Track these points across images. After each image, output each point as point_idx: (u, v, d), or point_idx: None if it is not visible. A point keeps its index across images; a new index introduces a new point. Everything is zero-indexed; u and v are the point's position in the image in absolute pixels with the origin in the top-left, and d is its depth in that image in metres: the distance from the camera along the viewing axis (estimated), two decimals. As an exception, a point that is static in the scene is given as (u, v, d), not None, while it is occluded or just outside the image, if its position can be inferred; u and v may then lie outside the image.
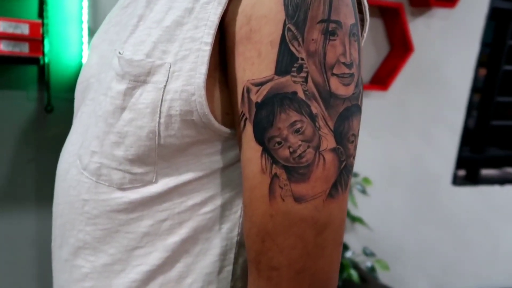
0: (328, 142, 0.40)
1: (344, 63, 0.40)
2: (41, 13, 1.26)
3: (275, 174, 0.40)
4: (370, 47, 1.86)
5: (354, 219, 1.81)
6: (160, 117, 0.43)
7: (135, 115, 0.44)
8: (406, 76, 1.89)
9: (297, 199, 0.40)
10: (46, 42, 1.16)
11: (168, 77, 0.43)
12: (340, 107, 0.41)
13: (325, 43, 0.39)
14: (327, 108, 0.40)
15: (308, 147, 0.40)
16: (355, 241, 1.96)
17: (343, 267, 1.54)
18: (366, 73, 1.88)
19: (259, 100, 0.40)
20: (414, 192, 2.09)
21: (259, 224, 0.42)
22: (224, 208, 0.49)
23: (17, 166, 1.43)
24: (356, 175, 1.86)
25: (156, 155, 0.45)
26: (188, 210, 0.48)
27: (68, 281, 0.54)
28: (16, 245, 1.48)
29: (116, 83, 0.45)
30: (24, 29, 1.09)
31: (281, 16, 0.39)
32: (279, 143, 0.40)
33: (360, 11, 0.49)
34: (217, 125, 0.44)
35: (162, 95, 0.43)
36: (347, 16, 0.41)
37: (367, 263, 1.82)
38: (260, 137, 0.41)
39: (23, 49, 1.11)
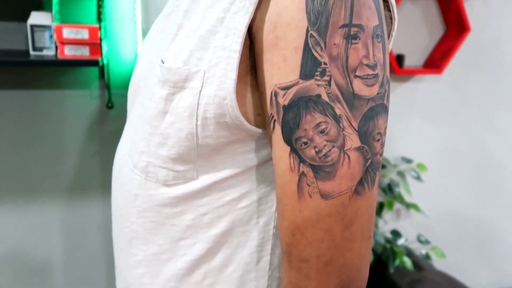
0: (353, 141, 0.42)
1: (367, 65, 0.42)
2: (99, 16, 1.35)
3: (303, 172, 0.43)
4: (423, 30, 1.79)
5: (409, 206, 1.78)
6: (197, 120, 0.47)
7: (175, 118, 0.49)
8: (462, 58, 1.81)
9: (324, 196, 0.43)
10: (104, 44, 1.25)
11: (203, 83, 0.46)
12: (364, 108, 0.42)
13: (347, 47, 0.41)
14: (350, 109, 0.42)
15: (333, 146, 0.42)
16: (410, 228, 1.93)
17: (395, 255, 1.53)
18: (419, 57, 1.82)
19: (286, 103, 0.43)
20: (475, 178, 2.00)
21: (289, 218, 0.45)
22: (260, 203, 0.53)
23: (84, 158, 1.56)
24: (410, 161, 1.82)
25: (195, 154, 0.49)
26: (226, 205, 0.52)
27: (125, 266, 0.60)
28: (85, 231, 1.62)
29: (158, 89, 0.50)
30: (84, 34, 1.18)
31: (304, 23, 0.41)
32: (305, 143, 0.43)
33: (389, 9, 0.50)
34: (248, 126, 0.47)
35: (198, 100, 0.47)
36: (370, 18, 0.42)
37: (421, 250, 1.79)
38: (288, 138, 0.43)
39: (84, 52, 1.21)
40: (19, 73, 1.40)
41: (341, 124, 0.42)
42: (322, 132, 0.42)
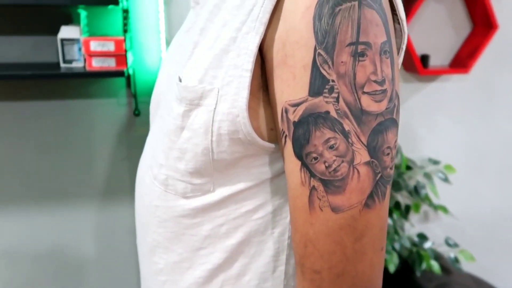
0: (362, 156, 0.43)
1: (375, 81, 0.43)
2: (124, 28, 1.40)
3: (313, 186, 0.44)
4: (448, 28, 1.76)
5: (436, 208, 1.75)
6: (212, 136, 0.49)
7: (192, 134, 0.51)
8: (490, 56, 1.76)
9: (334, 209, 0.44)
10: (129, 55, 1.29)
11: (217, 100, 0.48)
12: (373, 123, 0.43)
13: (355, 64, 0.42)
14: (359, 125, 0.43)
15: (342, 161, 0.43)
16: (438, 231, 1.90)
17: (422, 258, 1.51)
18: (445, 56, 1.79)
19: (296, 119, 0.44)
20: (505, 178, 1.95)
21: (301, 230, 0.46)
22: (275, 214, 0.54)
23: (113, 163, 1.61)
24: (437, 162, 1.79)
25: (211, 168, 0.51)
26: (242, 216, 0.54)
27: (148, 273, 0.63)
28: (115, 233, 1.67)
29: (176, 105, 0.52)
30: (110, 46, 1.23)
31: (312, 42, 0.43)
32: (315, 158, 0.44)
33: (399, 22, 0.51)
34: (261, 142, 0.49)
35: (213, 117, 0.49)
36: (377, 35, 0.43)
37: (450, 253, 1.75)
38: (299, 153, 0.45)
39: (110, 63, 1.25)
40: (51, 84, 1.46)
41: (350, 140, 0.43)
42: (331, 147, 0.43)
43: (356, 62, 0.42)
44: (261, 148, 0.50)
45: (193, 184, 0.53)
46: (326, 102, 0.43)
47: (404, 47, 0.52)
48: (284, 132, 0.46)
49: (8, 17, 1.38)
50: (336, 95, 0.42)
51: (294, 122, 0.44)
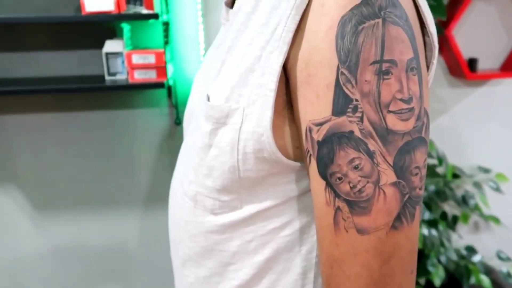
0: (388, 176, 0.42)
1: (401, 99, 0.41)
2: (165, 40, 1.44)
3: (338, 207, 0.43)
4: (498, 30, 1.67)
5: (488, 219, 1.66)
6: (238, 154, 0.49)
7: (219, 152, 0.51)
8: (545, 58, 1.66)
9: (360, 231, 0.43)
10: (169, 67, 1.33)
11: (242, 119, 0.49)
12: (399, 142, 0.42)
13: (379, 83, 0.41)
14: (384, 145, 0.42)
15: (368, 182, 0.42)
16: (489, 244, 1.80)
17: (470, 272, 1.44)
18: (494, 59, 1.70)
19: (320, 138, 0.44)
20: None
21: (327, 251, 0.45)
22: (302, 232, 0.54)
23: (156, 171, 1.66)
24: (487, 171, 1.70)
25: (238, 185, 0.52)
26: (269, 233, 0.53)
27: (180, 286, 0.64)
28: (158, 238, 1.72)
29: (204, 123, 0.53)
30: (151, 59, 1.27)
31: (335, 61, 0.42)
32: (339, 178, 0.43)
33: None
34: (286, 161, 0.49)
35: (239, 135, 0.49)
36: (403, 52, 0.41)
37: (502, 268, 1.66)
38: (323, 172, 0.44)
39: (152, 75, 1.29)
40: (96, 96, 1.53)
41: (375, 160, 0.42)
42: (356, 167, 0.42)
43: (381, 81, 0.41)
44: (287, 166, 0.50)
45: (221, 201, 0.54)
46: (350, 121, 0.42)
47: (435, 61, 0.50)
48: (308, 151, 0.45)
49: (58, 34, 1.46)
50: (360, 114, 0.41)
51: (318, 141, 0.44)
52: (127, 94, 1.52)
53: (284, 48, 0.45)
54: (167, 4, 1.42)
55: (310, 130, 0.45)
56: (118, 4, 1.22)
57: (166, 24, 1.44)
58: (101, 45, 1.40)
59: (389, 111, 0.41)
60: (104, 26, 1.42)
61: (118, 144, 1.60)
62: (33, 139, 1.57)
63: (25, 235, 1.67)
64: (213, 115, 0.51)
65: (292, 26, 0.45)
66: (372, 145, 0.42)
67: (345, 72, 0.42)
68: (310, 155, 0.45)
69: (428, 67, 0.50)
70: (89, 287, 1.74)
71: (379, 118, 0.41)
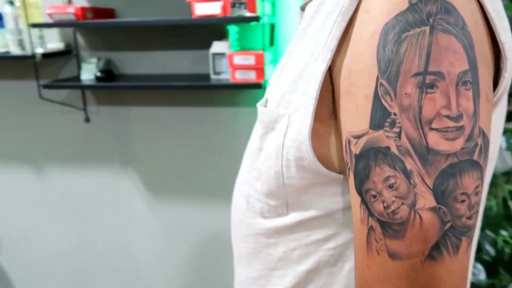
0: (426, 200, 0.38)
1: (447, 116, 0.37)
2: (271, 41, 1.47)
3: (371, 226, 0.41)
4: None
5: None
6: (282, 161, 0.50)
7: (267, 157, 0.52)
8: None
9: (392, 255, 0.40)
10: (268, 69, 1.36)
11: (287, 126, 0.48)
12: (442, 164, 0.38)
13: (421, 97, 0.37)
14: (424, 165, 0.38)
15: (402, 203, 0.39)
16: None
17: None
18: None
19: (357, 152, 0.42)
20: None
21: (359, 271, 0.43)
22: (346, 247, 0.51)
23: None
24: None
25: (284, 191, 0.52)
26: (313, 244, 0.52)
27: (236, 282, 0.66)
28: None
29: (258, 126, 0.54)
30: (251, 60, 1.31)
31: (374, 71, 0.39)
32: (374, 196, 0.40)
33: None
34: (326, 172, 0.47)
35: (283, 142, 0.49)
36: (454, 64, 0.37)
37: None
38: (359, 188, 0.42)
39: (251, 76, 1.34)
40: (202, 93, 1.64)
41: (411, 180, 0.38)
42: (390, 186, 0.39)
43: (423, 95, 0.37)
44: (329, 177, 0.48)
45: (269, 205, 0.54)
46: (387, 136, 0.39)
47: (507, 75, 0.43)
48: (347, 164, 0.44)
49: (173, 35, 1.60)
50: (397, 129, 0.38)
51: (355, 154, 0.42)
52: (230, 92, 1.59)
53: (328, 56, 0.44)
54: (273, 7, 1.45)
55: (349, 142, 0.43)
56: (224, 8, 1.29)
57: (272, 26, 1.47)
58: (210, 44, 1.50)
59: (432, 129, 0.37)
60: (215, 28, 1.52)
61: (220, 138, 1.69)
62: (150, 128, 1.75)
63: (139, 214, 1.87)
64: (264, 120, 0.52)
65: (337, 33, 0.43)
66: (409, 164, 0.38)
67: (384, 83, 0.39)
68: (349, 168, 0.43)
69: (497, 82, 0.43)
70: (192, 266, 1.88)
71: (419, 135, 0.38)
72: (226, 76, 1.43)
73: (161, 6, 1.57)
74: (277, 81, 0.53)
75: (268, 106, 0.52)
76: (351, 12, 0.43)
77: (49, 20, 1.49)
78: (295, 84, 0.48)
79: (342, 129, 0.44)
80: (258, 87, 1.32)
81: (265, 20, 1.29)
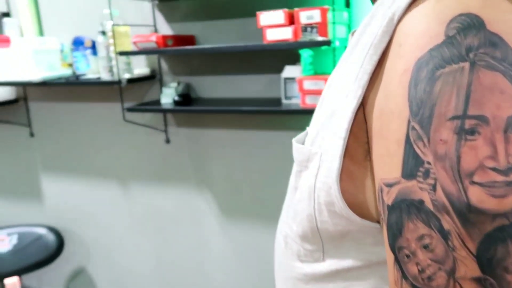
0: (468, 268, 0.32)
1: (494, 169, 0.31)
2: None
3: None
4: None
5: None
6: (314, 203, 0.46)
7: (300, 197, 0.48)
8: None
9: None
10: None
11: (319, 166, 0.45)
12: (487, 226, 0.31)
13: (459, 144, 0.32)
14: (464, 225, 0.32)
15: (439, 269, 0.33)
16: None
17: None
18: None
19: (389, 202, 0.37)
20: None
21: None
22: None
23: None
24: None
25: (318, 236, 0.47)
26: None
27: None
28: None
29: (295, 163, 0.51)
30: (321, 85, 1.27)
31: (405, 113, 0.34)
32: (407, 256, 0.35)
33: None
34: (359, 220, 0.42)
35: (314, 183, 0.45)
36: (501, 106, 0.31)
37: None
38: (392, 244, 0.37)
39: (321, 101, 1.30)
40: (274, 117, 1.63)
41: (449, 242, 0.32)
42: (425, 247, 0.34)
43: (462, 142, 0.31)
44: (363, 225, 0.43)
45: (304, 248, 0.50)
46: (420, 188, 0.33)
47: None
48: (381, 213, 0.38)
49: (247, 60, 1.62)
50: (432, 181, 0.33)
51: (388, 205, 0.37)
52: (300, 117, 1.56)
53: (359, 92, 0.40)
54: (349, 29, 1.41)
55: (381, 190, 0.38)
56: (295, 32, 1.28)
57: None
58: (282, 69, 1.49)
59: (474, 182, 0.31)
60: (288, 52, 1.51)
61: (291, 162, 1.66)
62: (224, 150, 1.78)
63: (212, 233, 1.90)
64: (298, 157, 0.48)
65: (369, 68, 0.39)
66: (446, 223, 0.32)
67: (416, 127, 0.34)
68: (382, 219, 0.38)
69: None
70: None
71: (458, 189, 0.32)
72: (297, 100, 1.41)
73: (237, 32, 1.60)
74: (316, 112, 0.50)
75: (306, 142, 0.49)
76: (383, 45, 0.38)
77: (136, 48, 1.60)
78: (329, 120, 0.44)
79: (375, 174, 0.39)
80: (328, 112, 1.27)
81: (337, 44, 1.25)
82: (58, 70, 1.85)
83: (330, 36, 1.25)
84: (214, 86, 1.72)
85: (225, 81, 1.69)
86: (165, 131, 1.85)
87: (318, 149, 0.45)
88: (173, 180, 1.92)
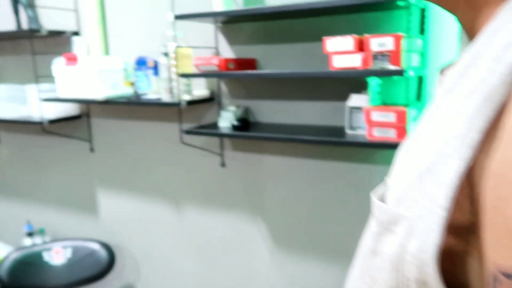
0: None
1: None
2: (418, 97, 1.32)
3: None
4: None
5: None
6: (400, 277, 0.37)
7: (381, 265, 0.40)
8: None
9: None
10: (410, 128, 1.20)
11: (409, 234, 0.36)
12: None
13: None
14: None
15: None
16: None
17: None
18: None
19: None
20: None
21: None
22: None
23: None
24: None
25: None
26: None
27: None
28: None
29: (373, 222, 0.43)
30: (391, 117, 1.18)
31: None
32: None
33: None
34: None
35: (403, 253, 0.37)
36: None
37: None
38: None
39: (391, 134, 1.19)
40: (336, 146, 1.54)
41: None
42: None
43: None
44: None
45: None
46: None
47: None
48: None
49: (310, 86, 1.55)
50: None
51: None
52: (366, 149, 1.46)
53: (467, 154, 0.31)
54: (423, 58, 1.30)
55: (497, 280, 0.29)
56: (365, 60, 1.20)
57: (420, 79, 1.32)
58: (347, 97, 1.41)
59: None
60: (354, 79, 1.42)
61: (352, 196, 1.56)
62: (281, 178, 1.71)
63: (262, 262, 1.82)
64: (379, 217, 0.40)
65: (481, 124, 0.31)
66: None
67: None
68: None
69: None
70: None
71: None
72: (363, 131, 1.32)
73: (299, 56, 1.54)
74: (401, 163, 0.42)
75: (387, 197, 0.40)
76: (502, 98, 0.30)
77: (197, 70, 1.59)
78: (421, 179, 0.36)
79: (486, 256, 0.31)
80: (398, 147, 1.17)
81: (411, 73, 1.15)
82: (120, 88, 1.89)
83: (403, 65, 1.15)
84: (274, 111, 1.67)
85: (285, 106, 1.63)
86: (221, 154, 1.82)
87: (407, 212, 0.37)
88: (226, 205, 1.87)
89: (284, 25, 1.57)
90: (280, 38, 1.59)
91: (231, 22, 1.66)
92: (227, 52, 1.71)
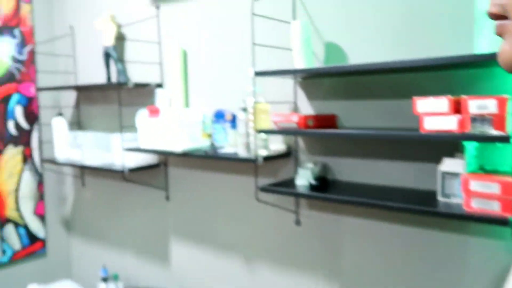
0: None
1: None
2: (522, 160, 1.16)
3: None
4: None
5: None
6: None
7: None
8: None
9: None
10: (519, 200, 1.05)
11: None
12: None
13: None
14: None
15: None
16: None
17: None
18: None
19: None
20: None
21: None
22: None
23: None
24: None
25: None
26: None
27: None
28: None
29: None
30: (495, 188, 1.04)
31: None
32: None
33: None
34: None
35: None
36: None
37: None
38: None
39: (494, 207, 1.05)
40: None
41: None
42: None
43: None
44: None
45: None
46: None
47: None
48: None
49: (395, 146, 1.45)
50: None
51: None
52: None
53: None
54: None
55: None
56: (461, 123, 1.08)
57: (525, 143, 1.16)
58: (439, 159, 1.28)
59: None
60: (447, 142, 1.30)
61: (442, 270, 1.39)
62: (360, 242, 1.58)
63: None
64: None
65: None
66: None
67: None
68: None
69: None
70: None
71: None
72: (458, 200, 1.18)
73: (383, 113, 1.45)
74: None
75: None
76: None
77: (275, 126, 1.56)
78: None
79: None
80: (503, 223, 1.02)
81: (519, 141, 1.01)
82: (198, 140, 1.91)
83: (508, 131, 1.02)
84: (354, 169, 1.57)
85: (366, 165, 1.53)
86: (296, 212, 1.74)
87: None
88: (300, 265, 1.77)
89: (367, 81, 1.50)
90: (361, 94, 1.52)
91: (311, 78, 1.62)
92: (306, 107, 1.67)
